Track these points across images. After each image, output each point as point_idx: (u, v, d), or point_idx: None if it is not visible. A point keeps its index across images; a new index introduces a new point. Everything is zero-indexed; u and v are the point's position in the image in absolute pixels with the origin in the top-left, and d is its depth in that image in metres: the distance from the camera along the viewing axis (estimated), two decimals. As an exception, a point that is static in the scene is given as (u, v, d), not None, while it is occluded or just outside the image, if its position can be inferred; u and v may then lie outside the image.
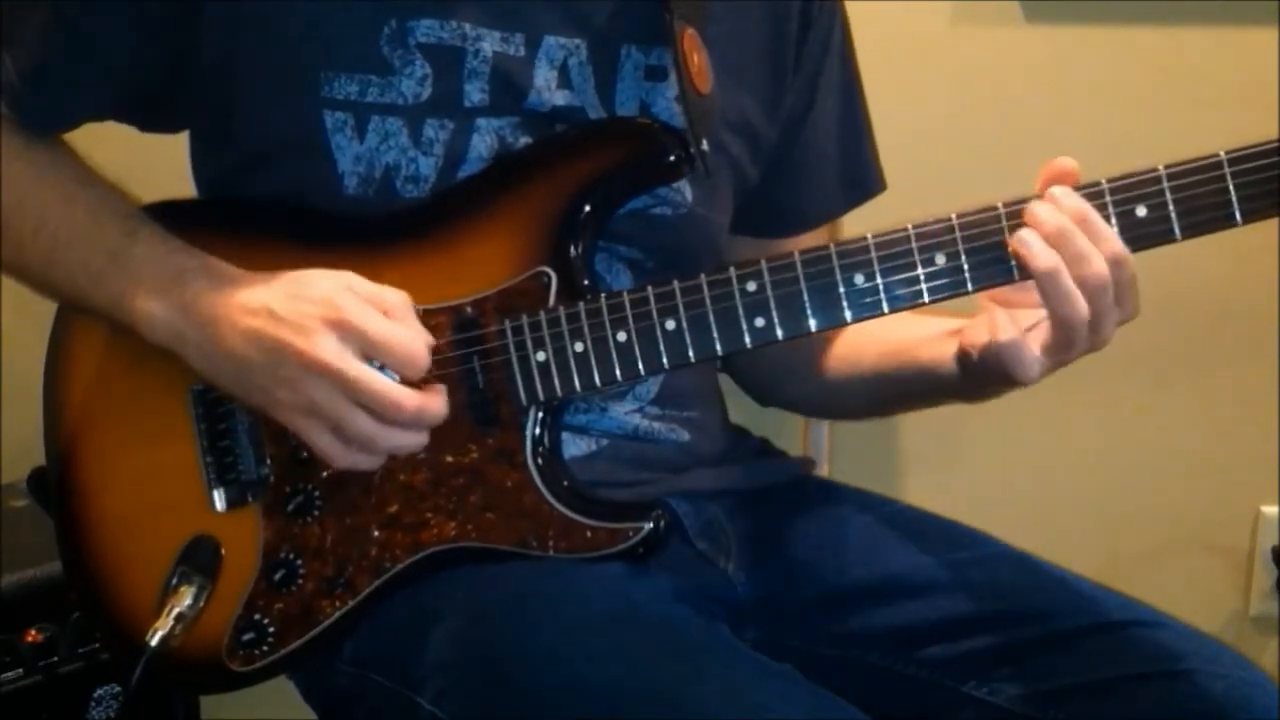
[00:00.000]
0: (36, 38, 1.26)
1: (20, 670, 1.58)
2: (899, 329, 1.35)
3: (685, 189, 1.34)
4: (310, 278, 1.19)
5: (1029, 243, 1.14)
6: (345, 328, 1.16)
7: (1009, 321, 1.18)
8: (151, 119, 1.36)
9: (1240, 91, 1.86)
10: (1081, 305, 1.14)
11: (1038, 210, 1.15)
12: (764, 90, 1.40)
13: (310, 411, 1.18)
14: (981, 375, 1.23)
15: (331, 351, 1.15)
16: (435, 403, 1.19)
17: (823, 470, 1.84)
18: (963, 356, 1.24)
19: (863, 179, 1.51)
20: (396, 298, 1.19)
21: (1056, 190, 1.16)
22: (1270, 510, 2.07)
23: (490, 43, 1.27)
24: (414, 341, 1.18)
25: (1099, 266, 1.14)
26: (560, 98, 1.29)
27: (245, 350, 1.18)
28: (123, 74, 1.28)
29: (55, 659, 1.60)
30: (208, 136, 1.35)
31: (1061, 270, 1.13)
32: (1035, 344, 1.17)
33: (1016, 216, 1.16)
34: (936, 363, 1.30)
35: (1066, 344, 1.17)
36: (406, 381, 1.18)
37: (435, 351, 1.22)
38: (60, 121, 1.31)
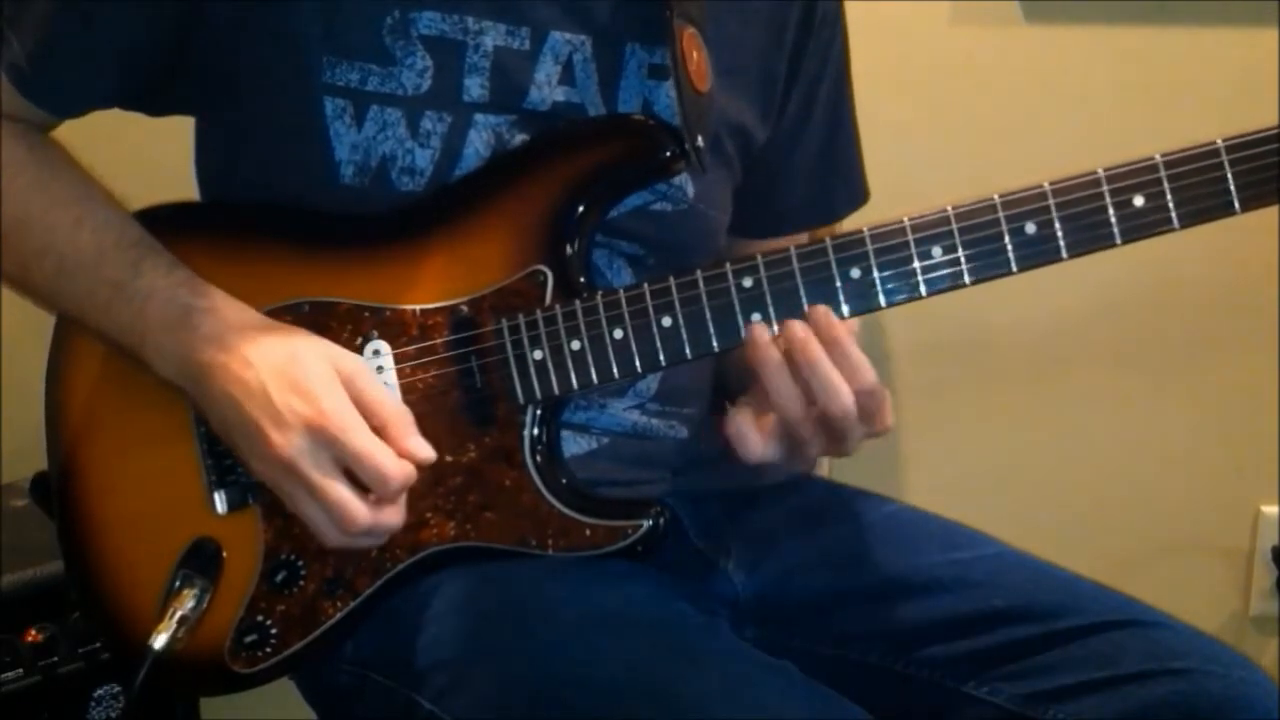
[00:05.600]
0: (44, 18, 1.26)
1: (20, 670, 1.58)
2: None
3: (687, 185, 1.34)
4: (308, 362, 1.17)
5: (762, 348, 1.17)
6: (322, 434, 1.14)
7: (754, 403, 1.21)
8: (156, 103, 1.36)
9: (1240, 91, 1.86)
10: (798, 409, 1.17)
11: (792, 326, 1.17)
12: (759, 95, 1.41)
13: (276, 489, 1.19)
14: None
15: (299, 453, 1.15)
16: (390, 518, 1.18)
17: (823, 470, 1.84)
18: None
19: (848, 192, 1.52)
20: (394, 410, 1.18)
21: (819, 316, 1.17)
22: (1270, 510, 2.07)
23: (493, 37, 1.27)
24: (389, 464, 1.15)
25: (844, 398, 1.16)
26: (560, 93, 1.29)
27: (229, 415, 1.18)
28: (131, 55, 1.28)
29: (55, 659, 1.60)
30: (211, 120, 1.36)
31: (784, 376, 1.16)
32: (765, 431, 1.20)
33: (1013, 208, 1.16)
34: None
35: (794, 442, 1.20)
36: None
37: (432, 351, 1.23)
38: (67, 104, 1.31)
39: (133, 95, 1.33)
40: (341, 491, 1.15)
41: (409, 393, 1.24)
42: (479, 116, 1.27)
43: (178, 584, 1.26)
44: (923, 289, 1.18)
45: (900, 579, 1.34)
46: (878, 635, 1.32)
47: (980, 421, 2.05)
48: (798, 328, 1.17)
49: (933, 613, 1.31)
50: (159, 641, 1.23)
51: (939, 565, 1.34)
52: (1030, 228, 1.16)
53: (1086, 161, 1.17)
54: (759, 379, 1.18)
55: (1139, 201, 1.15)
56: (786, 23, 1.40)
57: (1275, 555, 2.06)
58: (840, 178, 1.51)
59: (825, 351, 1.16)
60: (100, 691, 1.63)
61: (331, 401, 1.15)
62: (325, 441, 1.15)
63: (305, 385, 1.16)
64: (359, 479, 1.16)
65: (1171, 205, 1.14)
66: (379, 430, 1.17)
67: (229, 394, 1.17)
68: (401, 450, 1.17)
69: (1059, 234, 1.15)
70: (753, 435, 1.20)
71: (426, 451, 1.19)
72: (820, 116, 1.46)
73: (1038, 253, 1.16)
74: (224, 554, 1.27)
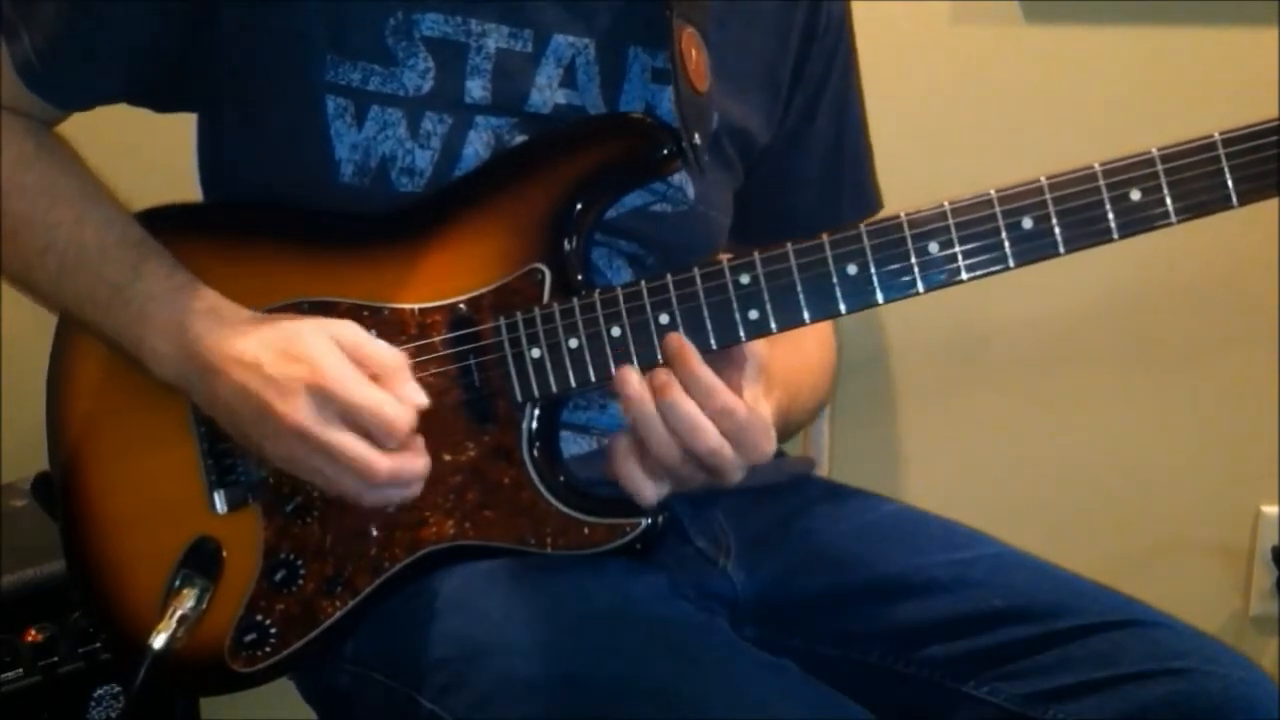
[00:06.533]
0: (55, 14, 1.27)
1: (20, 670, 1.59)
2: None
3: (687, 186, 1.34)
4: (303, 333, 1.19)
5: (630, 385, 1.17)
6: (324, 393, 1.15)
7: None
8: (161, 99, 1.36)
9: (1240, 91, 1.86)
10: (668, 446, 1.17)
11: (657, 373, 1.17)
12: (762, 98, 1.41)
13: (298, 466, 1.20)
14: None
15: (307, 416, 1.15)
16: (412, 463, 1.19)
17: (823, 470, 1.84)
18: None
19: (857, 200, 1.52)
20: (389, 357, 1.19)
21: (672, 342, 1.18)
22: (1270, 510, 2.07)
23: (496, 39, 1.27)
24: (390, 409, 1.16)
25: (709, 438, 1.16)
26: (562, 96, 1.30)
27: (236, 403, 1.19)
28: (139, 53, 1.29)
29: (55, 659, 1.60)
30: (212, 117, 1.36)
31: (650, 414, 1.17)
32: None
33: (1010, 202, 1.15)
34: None
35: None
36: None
37: (431, 350, 1.23)
38: (74, 99, 1.32)
39: (139, 92, 1.34)
40: (355, 443, 1.16)
41: (409, 391, 1.24)
42: (480, 118, 1.27)
43: (178, 583, 1.27)
44: (920, 285, 1.17)
45: (900, 579, 1.34)
46: (878, 635, 1.32)
47: (980, 421, 2.04)
48: (661, 373, 1.17)
49: (933, 613, 1.31)
50: (159, 641, 1.23)
51: (939, 565, 1.34)
52: (1027, 222, 1.15)
53: (1086, 161, 1.17)
54: (635, 430, 1.18)
55: (1136, 195, 1.14)
56: (791, 26, 1.41)
57: (1275, 555, 2.06)
58: (848, 185, 1.51)
59: (685, 391, 1.16)
60: (100, 691, 1.64)
61: (329, 362, 1.16)
62: (328, 398, 1.15)
63: (302, 352, 1.17)
64: (370, 434, 1.17)
65: (1168, 199, 1.13)
66: (376, 380, 1.17)
67: (235, 385, 1.18)
68: (397, 397, 1.18)
69: (1056, 229, 1.15)
70: (645, 482, 1.20)
71: (420, 397, 1.19)
72: (825, 121, 1.47)
73: (1035, 248, 1.15)
74: (224, 553, 1.28)
